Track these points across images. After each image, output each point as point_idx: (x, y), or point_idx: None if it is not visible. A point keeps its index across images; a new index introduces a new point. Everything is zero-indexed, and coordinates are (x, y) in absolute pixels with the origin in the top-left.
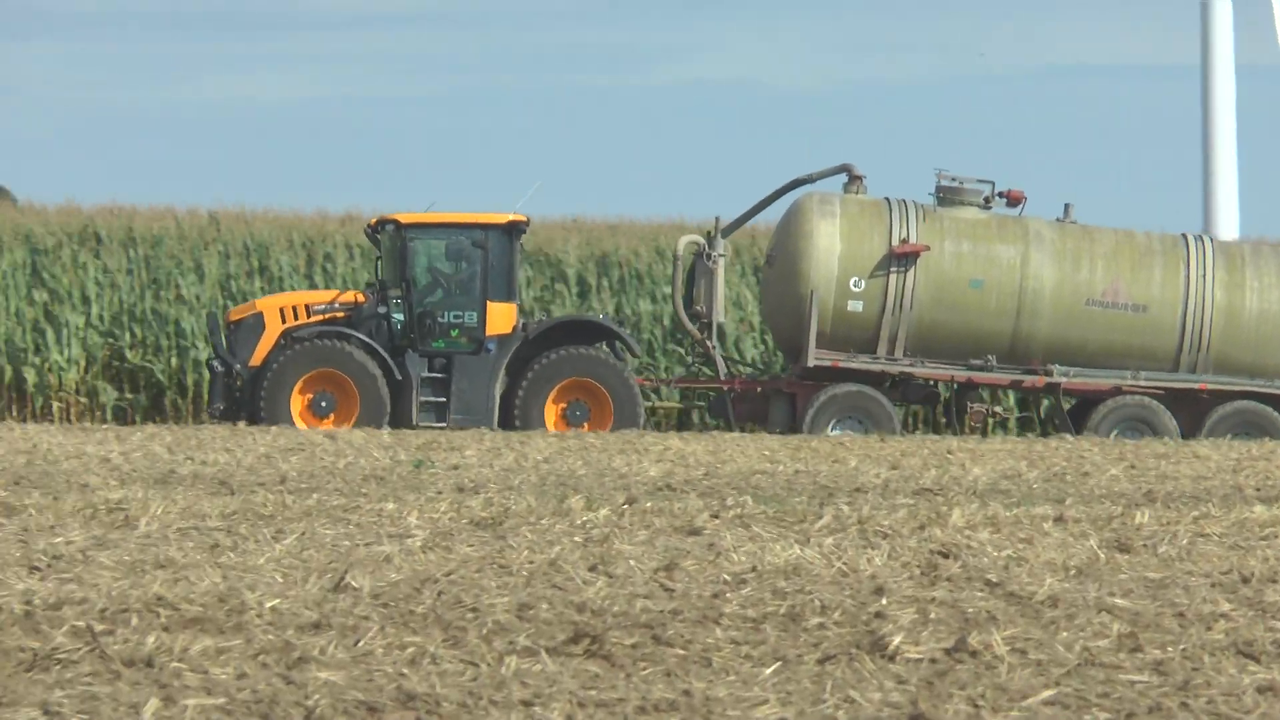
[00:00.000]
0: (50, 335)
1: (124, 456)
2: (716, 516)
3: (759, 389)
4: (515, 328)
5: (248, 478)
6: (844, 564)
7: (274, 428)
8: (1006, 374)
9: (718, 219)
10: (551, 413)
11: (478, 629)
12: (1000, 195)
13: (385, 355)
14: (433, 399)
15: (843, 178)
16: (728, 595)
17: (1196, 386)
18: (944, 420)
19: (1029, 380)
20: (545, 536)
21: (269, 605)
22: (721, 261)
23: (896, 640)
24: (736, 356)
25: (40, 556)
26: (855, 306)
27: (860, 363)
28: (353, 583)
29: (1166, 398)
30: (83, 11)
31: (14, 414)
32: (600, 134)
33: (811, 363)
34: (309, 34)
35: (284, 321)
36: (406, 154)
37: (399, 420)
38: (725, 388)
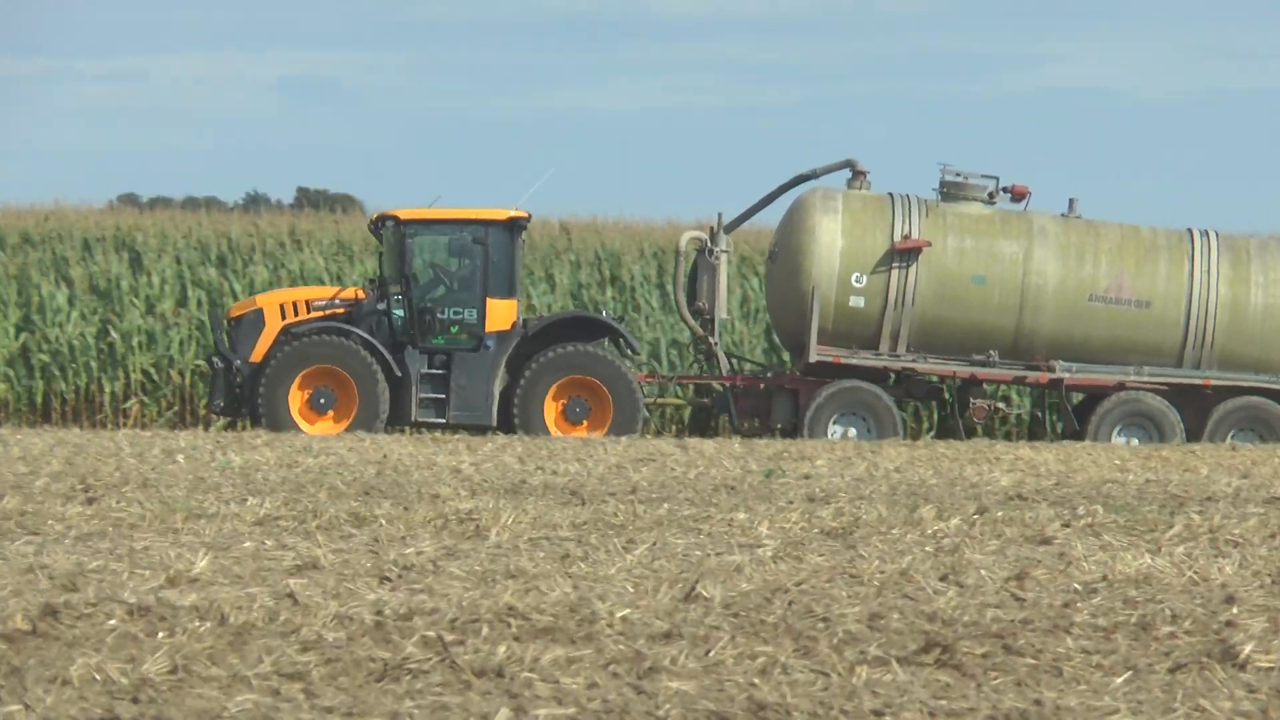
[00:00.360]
0: None
1: (475, 467)
2: (1067, 525)
3: (762, 386)
4: (515, 324)
5: (599, 488)
6: (1195, 573)
7: (622, 439)
8: (1010, 370)
9: (720, 215)
10: (551, 410)
11: (828, 639)
12: (1004, 190)
13: (384, 352)
14: (432, 396)
15: (846, 174)
16: (1078, 604)
17: (1200, 382)
18: (948, 414)
19: (1032, 376)
20: (896, 546)
21: (620, 615)
22: (724, 258)
23: (1247, 649)
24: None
25: (391, 567)
26: (857, 302)
27: (862, 359)
28: (703, 592)
29: (1171, 394)
30: (430, 21)
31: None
32: (948, 141)
33: (814, 359)
34: (657, 43)
35: (284, 318)
36: (752, 163)
37: (398, 418)
38: (728, 384)
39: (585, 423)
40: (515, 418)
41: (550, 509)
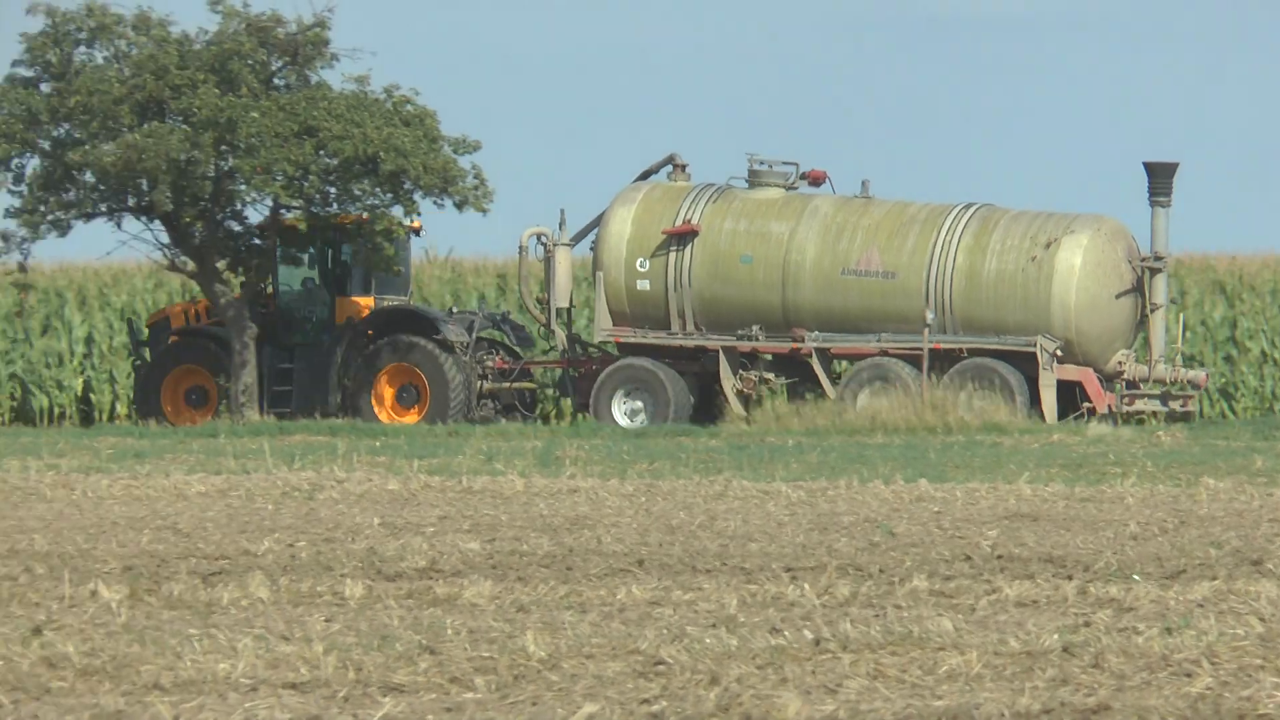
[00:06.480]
0: None
1: None
2: None
3: (594, 367)
4: (348, 319)
5: None
6: None
7: None
8: (773, 342)
9: (562, 210)
10: (387, 395)
11: None
12: (803, 177)
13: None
14: (281, 389)
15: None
16: None
17: (931, 347)
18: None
19: (803, 348)
20: None
21: None
22: (559, 250)
23: None
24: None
25: None
26: (644, 285)
27: (652, 338)
28: None
29: (920, 358)
30: None
31: None
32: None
33: (598, 339)
34: None
35: (187, 324)
36: None
37: (262, 409)
38: (565, 368)
39: (416, 409)
40: (345, 405)
41: None
